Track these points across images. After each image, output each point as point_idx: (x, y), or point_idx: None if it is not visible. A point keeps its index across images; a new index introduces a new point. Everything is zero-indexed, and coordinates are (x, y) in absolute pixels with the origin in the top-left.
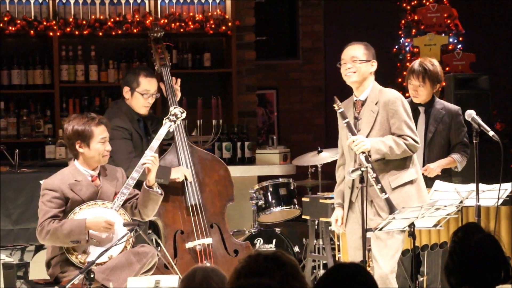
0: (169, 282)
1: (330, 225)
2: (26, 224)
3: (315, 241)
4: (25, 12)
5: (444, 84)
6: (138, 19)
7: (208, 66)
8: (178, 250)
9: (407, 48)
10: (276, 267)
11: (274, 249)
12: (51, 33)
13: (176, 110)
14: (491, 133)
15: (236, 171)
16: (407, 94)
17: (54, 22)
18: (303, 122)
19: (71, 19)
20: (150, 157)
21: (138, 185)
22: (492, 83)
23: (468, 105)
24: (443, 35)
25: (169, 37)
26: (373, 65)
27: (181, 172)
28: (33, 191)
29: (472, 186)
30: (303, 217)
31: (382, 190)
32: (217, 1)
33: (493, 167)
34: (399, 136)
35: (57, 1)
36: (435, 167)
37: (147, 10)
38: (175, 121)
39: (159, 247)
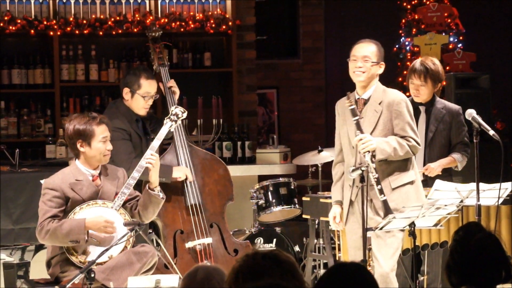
0: (169, 282)
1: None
2: (26, 223)
3: (315, 241)
4: (26, 12)
5: (444, 83)
6: (138, 19)
7: (208, 66)
8: (178, 250)
9: (408, 48)
10: (275, 265)
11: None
12: (51, 33)
13: (177, 110)
14: (491, 132)
15: (236, 170)
16: (407, 93)
17: (54, 21)
18: (304, 121)
19: (71, 19)
20: (151, 157)
21: (138, 185)
22: (492, 82)
23: (468, 104)
24: (443, 34)
25: (168, 37)
26: (381, 67)
27: (183, 171)
28: (33, 191)
29: (473, 185)
30: (304, 216)
31: (381, 192)
32: (218, 1)
33: (494, 167)
34: (402, 137)
35: (57, 0)
36: (436, 167)
37: (148, 9)
38: (176, 121)
39: (159, 247)
